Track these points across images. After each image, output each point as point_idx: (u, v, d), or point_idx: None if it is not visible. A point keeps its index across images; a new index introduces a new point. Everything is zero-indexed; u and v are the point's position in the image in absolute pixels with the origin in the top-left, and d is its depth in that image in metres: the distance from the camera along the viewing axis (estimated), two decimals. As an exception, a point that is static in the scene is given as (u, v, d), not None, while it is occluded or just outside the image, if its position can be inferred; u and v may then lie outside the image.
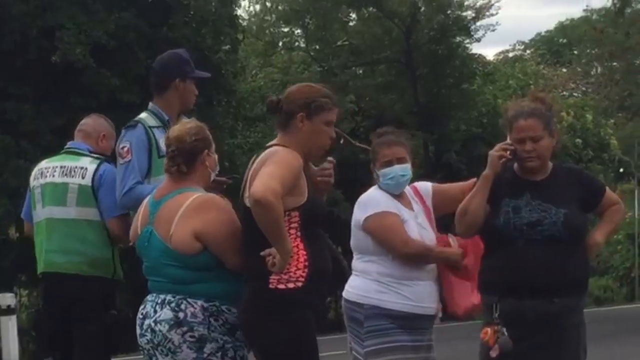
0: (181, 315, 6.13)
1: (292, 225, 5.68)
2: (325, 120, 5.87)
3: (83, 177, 7.58)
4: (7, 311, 20.41)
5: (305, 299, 5.67)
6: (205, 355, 6.12)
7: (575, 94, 44.99)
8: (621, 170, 44.42)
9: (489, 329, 6.39)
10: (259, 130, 29.17)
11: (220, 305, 6.14)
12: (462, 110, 34.06)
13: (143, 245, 6.27)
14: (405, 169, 6.90)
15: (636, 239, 48.15)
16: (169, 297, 6.16)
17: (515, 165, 6.46)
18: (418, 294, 6.78)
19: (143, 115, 7.42)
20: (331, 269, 5.90)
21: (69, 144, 7.91)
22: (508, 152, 6.38)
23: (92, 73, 22.93)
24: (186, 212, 6.13)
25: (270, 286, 5.62)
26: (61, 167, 7.71)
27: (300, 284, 5.63)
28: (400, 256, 6.66)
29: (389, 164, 6.84)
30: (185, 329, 6.11)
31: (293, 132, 5.86)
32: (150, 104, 7.45)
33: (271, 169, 5.61)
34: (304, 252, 5.68)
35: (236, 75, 27.68)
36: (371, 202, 6.90)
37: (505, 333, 6.30)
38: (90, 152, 7.74)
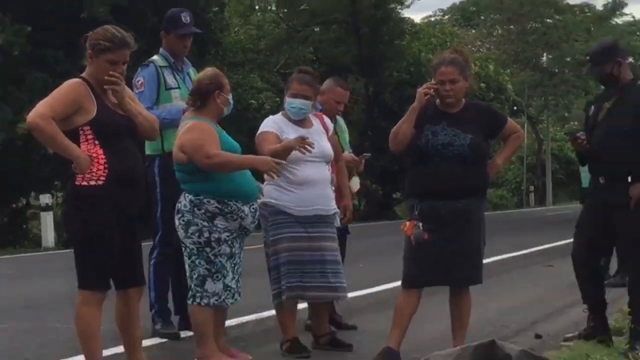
0: (178, 205, 6.37)
1: (88, 137, 5.54)
2: (108, 59, 5.62)
3: None
4: (46, 208, 20.58)
5: (105, 194, 5.52)
6: (189, 234, 6.33)
7: (481, 50, 44.95)
8: (515, 107, 44.54)
9: (408, 223, 6.48)
10: (239, 73, 29.11)
11: (203, 199, 6.29)
12: (395, 61, 34.09)
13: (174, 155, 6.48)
14: (306, 104, 6.91)
15: (525, 161, 48.70)
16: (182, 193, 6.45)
17: (437, 100, 6.52)
18: (307, 196, 6.77)
19: (155, 57, 7.54)
20: (134, 169, 5.72)
21: None
22: (432, 90, 6.45)
23: (112, 27, 22.31)
24: (180, 134, 6.36)
25: (76, 182, 5.53)
26: None
27: (101, 182, 5.51)
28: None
29: (295, 96, 6.88)
30: (179, 215, 6.36)
31: (88, 66, 5.73)
32: (161, 49, 7.55)
33: (46, 98, 5.57)
34: (103, 157, 5.52)
35: (222, 31, 27.60)
36: (265, 123, 6.99)
37: (421, 227, 6.39)
38: None
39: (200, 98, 6.45)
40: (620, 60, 7.24)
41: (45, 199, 21.11)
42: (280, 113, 7.05)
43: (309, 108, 6.96)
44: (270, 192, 6.73)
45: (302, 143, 6.51)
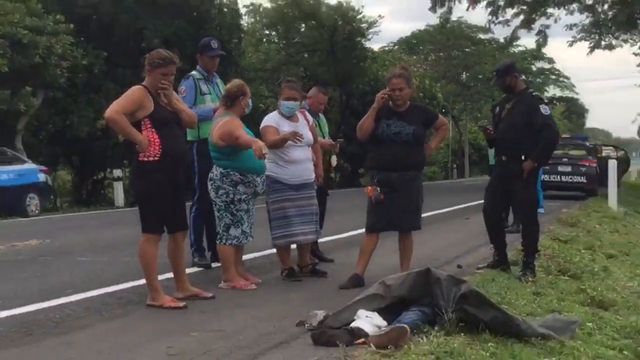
0: (211, 174, 6.34)
1: (147, 126, 5.52)
2: (161, 72, 5.60)
3: None
4: (117, 179, 20.52)
5: (160, 167, 5.51)
6: (218, 195, 6.36)
7: (420, 70, 44.72)
8: (443, 110, 44.51)
9: (370, 188, 6.50)
10: (252, 86, 28.73)
11: (229, 172, 6.31)
12: (360, 77, 34.08)
13: (209, 140, 6.46)
14: (296, 104, 6.88)
15: (450, 147, 48.74)
16: (213, 166, 6.43)
17: (390, 102, 6.50)
18: (296, 170, 6.76)
19: (193, 72, 7.46)
20: (180, 150, 5.72)
21: None
22: (386, 95, 6.43)
23: (164, 54, 22.37)
24: (218, 126, 6.26)
25: (140, 158, 5.52)
26: None
27: (157, 158, 5.50)
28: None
29: (288, 99, 6.82)
30: (211, 182, 6.34)
31: (147, 77, 5.69)
32: (197, 66, 7.49)
33: (118, 99, 5.56)
34: (158, 141, 5.50)
35: (240, 56, 27.43)
36: (266, 119, 6.88)
37: (379, 190, 6.42)
38: None
39: (230, 100, 6.42)
40: (517, 75, 7.28)
41: (117, 172, 21.12)
42: (276, 111, 7.00)
43: (297, 107, 6.95)
44: (272, 167, 6.72)
45: (295, 135, 6.52)
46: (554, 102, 60.89)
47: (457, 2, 28.57)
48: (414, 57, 46.97)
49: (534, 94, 7.35)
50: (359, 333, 4.46)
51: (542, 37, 29.38)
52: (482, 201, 7.53)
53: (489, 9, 28.61)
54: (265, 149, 6.12)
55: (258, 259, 7.97)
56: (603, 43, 27.89)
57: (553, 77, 59.71)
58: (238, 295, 6.11)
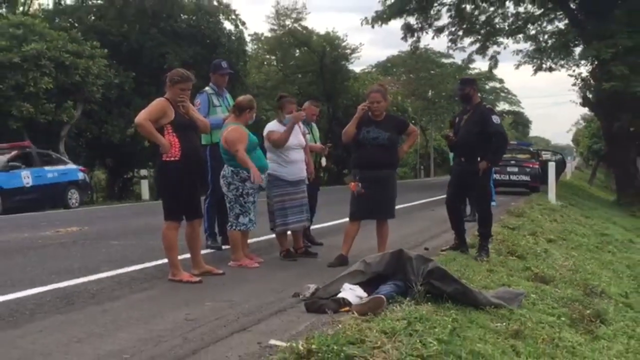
0: (223, 172, 6.28)
1: (169, 131, 5.48)
2: (180, 87, 5.56)
3: None
4: (143, 177, 20.40)
5: (179, 166, 5.47)
6: (230, 189, 6.30)
7: (393, 88, 44.77)
8: (413, 121, 44.51)
9: (353, 183, 6.48)
10: (255, 101, 29.01)
11: (239, 170, 6.24)
12: (344, 94, 34.12)
13: (220, 144, 6.38)
14: None
15: (418, 151, 48.77)
16: (224, 165, 6.34)
17: (370, 113, 6.49)
18: (294, 169, 6.77)
19: (207, 88, 7.40)
20: (196, 151, 5.65)
21: None
22: (366, 107, 6.42)
23: (182, 73, 22.30)
24: (226, 132, 6.21)
25: (163, 159, 5.49)
26: None
27: (177, 158, 5.46)
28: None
29: (290, 112, 6.82)
30: (223, 178, 6.28)
31: (168, 91, 5.64)
32: (210, 83, 7.44)
33: (145, 109, 5.48)
34: (178, 144, 5.46)
35: (245, 76, 27.37)
36: (268, 126, 6.88)
37: (360, 186, 6.40)
38: None
39: (239, 110, 6.38)
40: (475, 88, 7.30)
41: (143, 172, 21.03)
42: (275, 120, 7.00)
43: None
44: (273, 166, 6.71)
45: (298, 116, 6.68)
46: (504, 114, 61.09)
47: (424, 32, 28.57)
48: (389, 77, 46.93)
49: (487, 106, 7.36)
50: (344, 302, 4.46)
51: (494, 61, 29.57)
52: (445, 195, 7.53)
53: (450, 38, 28.71)
54: (259, 178, 6.14)
55: (260, 242, 7.95)
56: (544, 66, 28.01)
57: (503, 94, 59.94)
58: (244, 272, 6.10)
